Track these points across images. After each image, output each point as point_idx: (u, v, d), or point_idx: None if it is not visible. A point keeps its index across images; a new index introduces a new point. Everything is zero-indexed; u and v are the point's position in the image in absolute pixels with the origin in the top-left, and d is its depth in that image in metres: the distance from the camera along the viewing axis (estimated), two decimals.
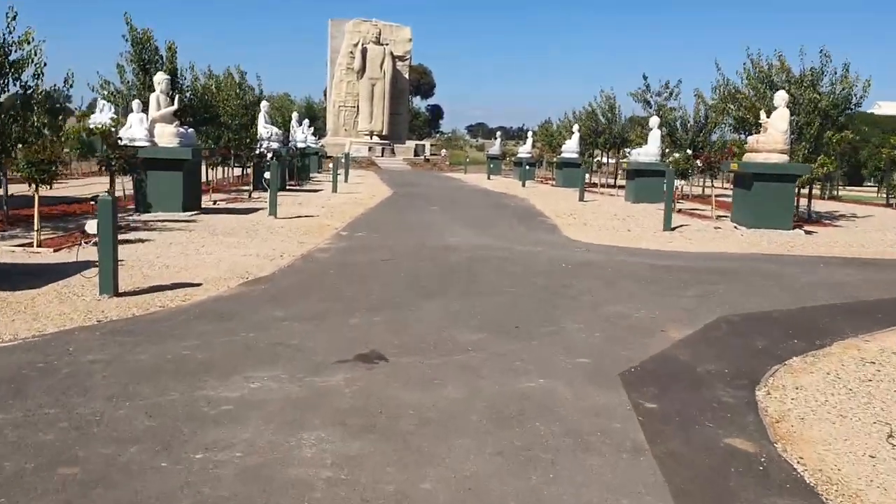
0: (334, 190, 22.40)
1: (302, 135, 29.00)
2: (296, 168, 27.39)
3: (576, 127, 31.29)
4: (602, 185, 31.16)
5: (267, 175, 14.11)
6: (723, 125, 21.41)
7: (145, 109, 14.37)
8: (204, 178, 20.21)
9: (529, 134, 39.38)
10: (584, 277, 8.98)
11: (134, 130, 13.63)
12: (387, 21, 58.97)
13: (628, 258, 10.76)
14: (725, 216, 17.77)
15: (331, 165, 22.34)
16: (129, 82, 18.67)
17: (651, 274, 9.39)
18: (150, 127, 13.62)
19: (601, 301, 7.66)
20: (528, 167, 32.17)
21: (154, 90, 14.43)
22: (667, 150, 23.42)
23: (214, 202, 16.83)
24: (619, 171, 31.53)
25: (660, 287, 8.57)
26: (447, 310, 6.93)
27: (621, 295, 8.02)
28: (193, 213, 13.85)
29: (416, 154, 58.22)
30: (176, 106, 13.94)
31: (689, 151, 20.24)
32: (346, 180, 29.37)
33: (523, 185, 30.93)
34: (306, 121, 37.96)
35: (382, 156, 55.13)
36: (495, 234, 13.15)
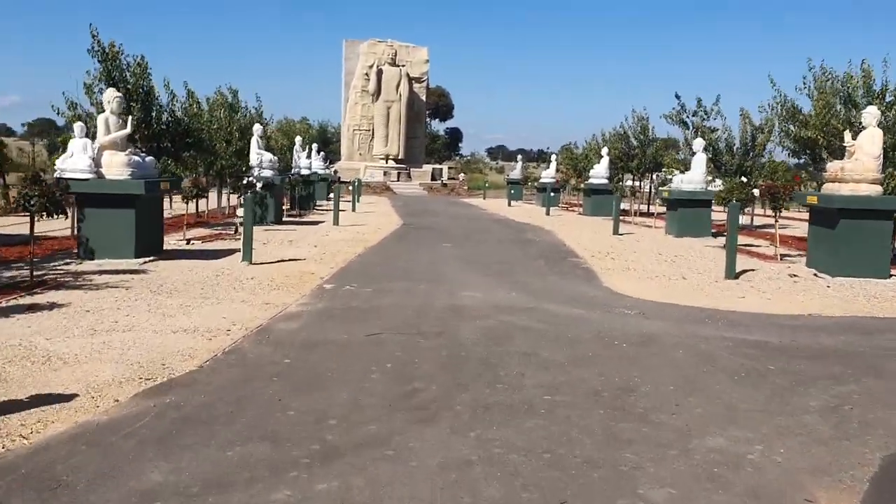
0: (335, 222, 19.86)
1: (306, 160, 26.61)
2: (297, 197, 24.98)
3: (605, 150, 28.63)
4: (635, 213, 28.37)
5: (240, 214, 11.55)
6: (779, 147, 18.69)
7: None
8: (188, 210, 17.82)
9: (553, 157, 36.76)
10: (650, 368, 6.25)
11: (76, 160, 11.18)
12: (403, 42, 56.96)
13: (700, 328, 8.01)
14: (791, 255, 14.97)
15: (331, 196, 19.65)
16: (98, 103, 16.46)
17: (742, 360, 6.64)
18: (97, 155, 11.18)
19: (689, 424, 4.93)
20: (552, 193, 29.49)
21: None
22: (710, 178, 20.73)
23: (188, 241, 14.32)
24: (656, 199, 28.75)
25: (764, 389, 5.82)
26: (451, 456, 4.23)
27: (714, 409, 5.29)
28: (149, 259, 11.31)
29: (433, 178, 55.86)
30: (129, 129, 11.46)
31: (743, 178, 17.53)
32: (354, 209, 26.92)
33: (547, 213, 28.30)
34: (314, 145, 35.73)
35: (398, 180, 52.83)
36: (520, 286, 10.47)
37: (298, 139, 26.80)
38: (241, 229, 17.04)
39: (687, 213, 19.05)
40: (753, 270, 12.75)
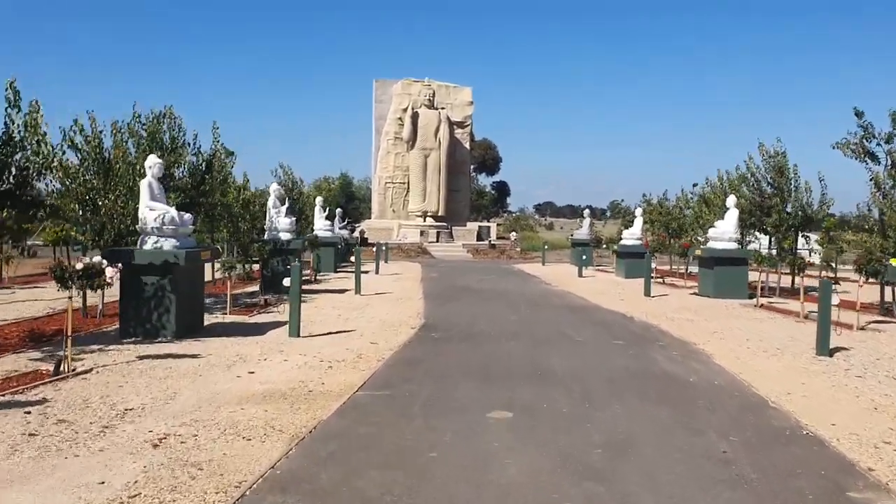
0: (294, 332, 10.82)
1: (286, 220, 17.89)
2: (265, 279, 16.27)
3: (731, 200, 19.24)
4: (764, 289, 18.95)
5: None
6: None
7: None
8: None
9: (638, 212, 27.43)
10: None
11: None
12: (442, 81, 48.95)
13: None
14: None
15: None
16: None
17: None
18: None
19: None
20: (651, 265, 20.10)
21: None
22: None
23: None
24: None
25: None
26: None
27: None
28: None
29: (479, 238, 46.99)
30: None
31: None
32: (358, 290, 18.00)
33: (647, 292, 18.91)
34: (318, 199, 27.21)
35: (438, 241, 44.11)
36: None
37: (274, 188, 18.05)
38: (108, 355, 8.22)
39: None
40: None
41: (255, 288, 17.25)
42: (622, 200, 54.95)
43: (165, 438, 5.77)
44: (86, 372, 8.19)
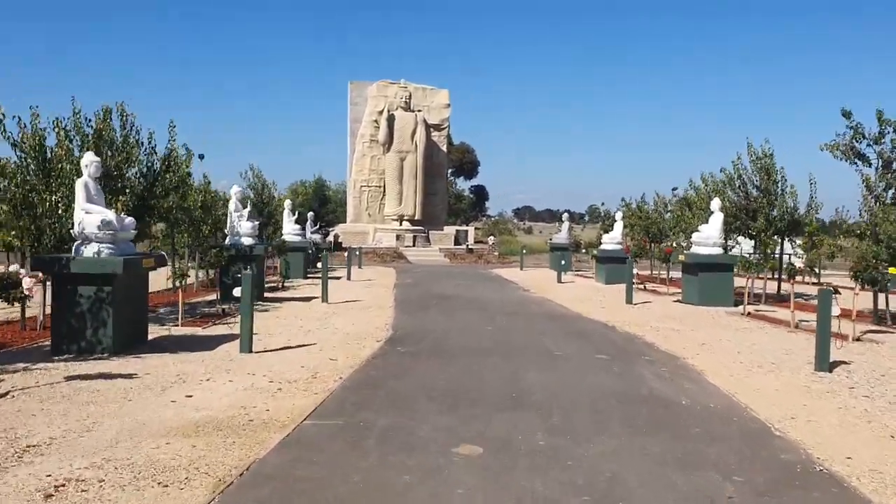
0: (245, 347, 9.80)
1: (248, 224, 16.84)
2: (224, 287, 15.26)
3: (716, 203, 18.50)
4: (751, 296, 18.25)
5: None
6: None
7: None
8: None
9: (618, 216, 26.66)
10: None
11: None
12: (418, 83, 48.03)
13: None
14: None
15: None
16: None
17: None
18: None
19: None
20: (633, 271, 19.30)
21: None
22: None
23: None
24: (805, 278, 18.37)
25: None
26: None
27: None
28: None
29: (457, 242, 46.06)
30: None
31: None
32: (325, 298, 17.02)
33: (629, 300, 18.15)
34: (288, 202, 26.18)
35: (414, 245, 43.13)
36: None
37: (235, 190, 16.97)
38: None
39: None
40: None
41: (216, 296, 16.22)
42: (602, 204, 54.41)
43: (64, 486, 4.78)
44: (0, 396, 7.18)
